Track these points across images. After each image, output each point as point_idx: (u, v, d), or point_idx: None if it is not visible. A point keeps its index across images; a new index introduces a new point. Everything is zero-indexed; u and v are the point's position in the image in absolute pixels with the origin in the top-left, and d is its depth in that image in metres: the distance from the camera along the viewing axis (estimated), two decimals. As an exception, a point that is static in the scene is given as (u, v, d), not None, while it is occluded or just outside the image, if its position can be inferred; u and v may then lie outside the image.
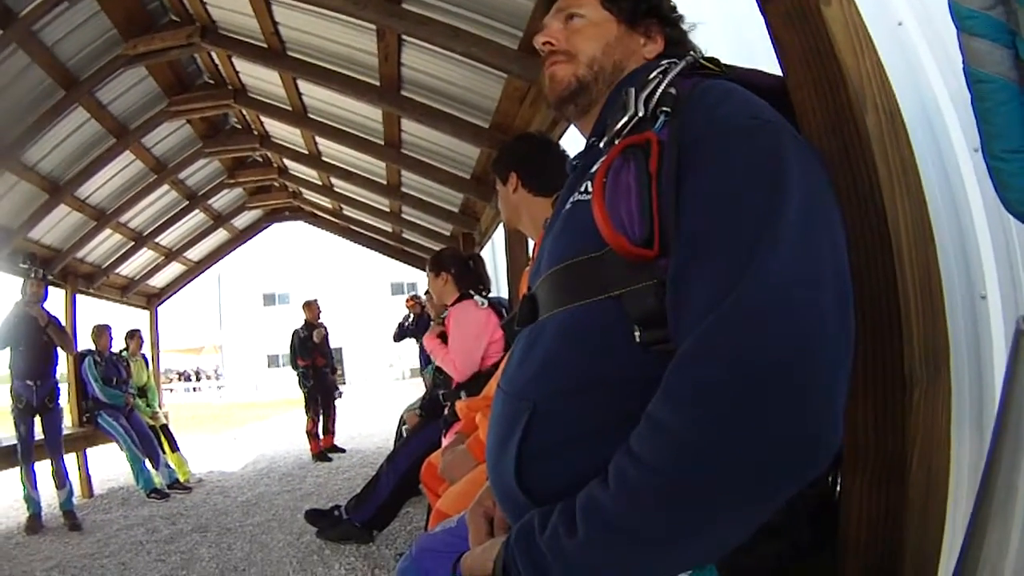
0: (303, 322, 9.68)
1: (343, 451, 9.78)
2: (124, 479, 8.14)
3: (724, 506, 0.82)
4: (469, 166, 6.15)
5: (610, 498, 0.87)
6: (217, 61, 6.32)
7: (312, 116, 6.59)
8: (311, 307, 9.76)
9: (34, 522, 6.09)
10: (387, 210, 8.75)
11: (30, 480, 6.08)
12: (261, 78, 6.32)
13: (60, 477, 6.23)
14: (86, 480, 7.79)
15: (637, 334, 0.97)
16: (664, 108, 1.04)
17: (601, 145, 1.18)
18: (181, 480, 7.77)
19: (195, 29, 5.46)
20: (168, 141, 7.38)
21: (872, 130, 1.09)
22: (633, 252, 0.96)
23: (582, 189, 1.13)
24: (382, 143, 6.34)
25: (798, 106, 1.16)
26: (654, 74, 1.11)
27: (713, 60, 1.20)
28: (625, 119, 1.09)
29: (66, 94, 5.59)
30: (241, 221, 10.69)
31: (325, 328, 9.60)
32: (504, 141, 4.05)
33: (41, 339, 6.30)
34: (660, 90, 1.07)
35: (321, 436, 9.59)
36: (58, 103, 5.61)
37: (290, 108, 6.53)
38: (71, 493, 6.37)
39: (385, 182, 7.51)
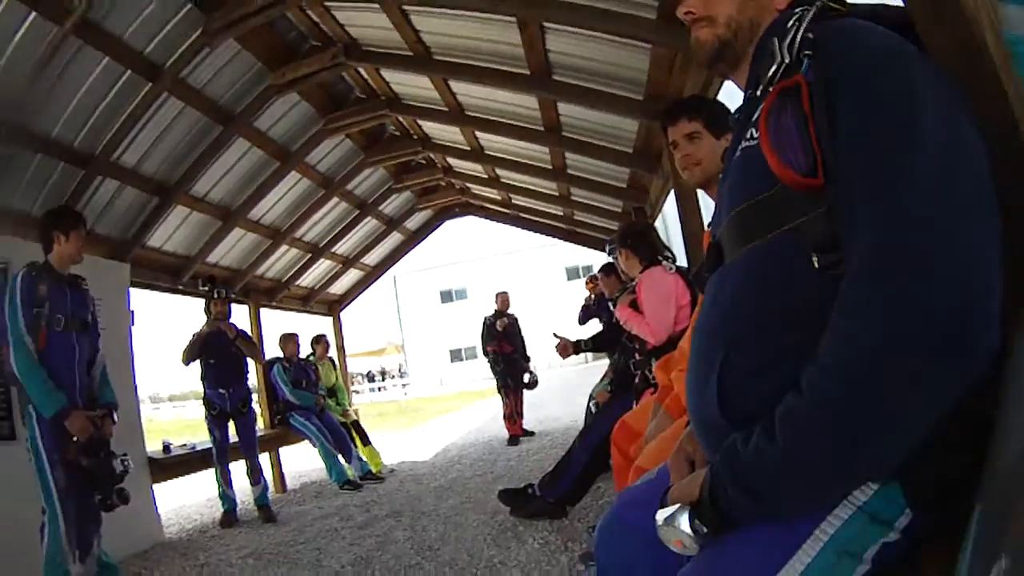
0: (493, 311, 10.04)
1: (532, 434, 10.06)
2: (317, 475, 8.78)
3: (899, 400, 0.95)
4: (630, 140, 6.18)
5: (803, 405, 1.02)
6: (366, 75, 6.73)
7: (469, 113, 6.85)
8: (500, 297, 10.12)
9: (228, 517, 6.59)
10: (556, 194, 8.89)
11: (225, 479, 6.66)
12: (412, 84, 6.65)
13: (255, 474, 6.73)
14: (280, 477, 8.45)
15: (815, 260, 1.08)
16: (806, 52, 1.15)
17: (758, 94, 1.30)
18: (374, 471, 8.27)
19: (338, 50, 5.85)
20: (331, 156, 7.91)
21: (994, 53, 1.15)
22: (802, 183, 1.08)
23: (748, 136, 1.28)
24: (542, 129, 6.50)
25: (923, 35, 1.23)
26: (791, 22, 1.22)
27: (839, 1, 1.28)
28: (774, 67, 1.21)
29: (224, 128, 6.21)
30: (413, 223, 11.16)
31: (510, 318, 9.92)
32: (659, 110, 4.07)
33: (230, 351, 6.81)
34: (799, 36, 1.18)
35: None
36: (218, 137, 6.24)
37: (446, 108, 6.82)
38: (266, 488, 6.81)
39: (550, 167, 7.66)
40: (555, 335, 5.93)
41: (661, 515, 1.20)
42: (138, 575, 4.95)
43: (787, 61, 1.17)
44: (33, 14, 4.28)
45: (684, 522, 1.16)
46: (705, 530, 1.14)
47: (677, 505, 1.19)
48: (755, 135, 1.20)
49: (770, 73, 1.21)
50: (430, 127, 7.90)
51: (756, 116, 1.22)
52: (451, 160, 8.94)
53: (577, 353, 5.85)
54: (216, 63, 5.59)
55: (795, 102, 1.09)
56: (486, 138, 7.58)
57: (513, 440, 9.64)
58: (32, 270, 3.95)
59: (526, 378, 9.84)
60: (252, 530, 6.21)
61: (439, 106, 6.82)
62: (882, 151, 1.00)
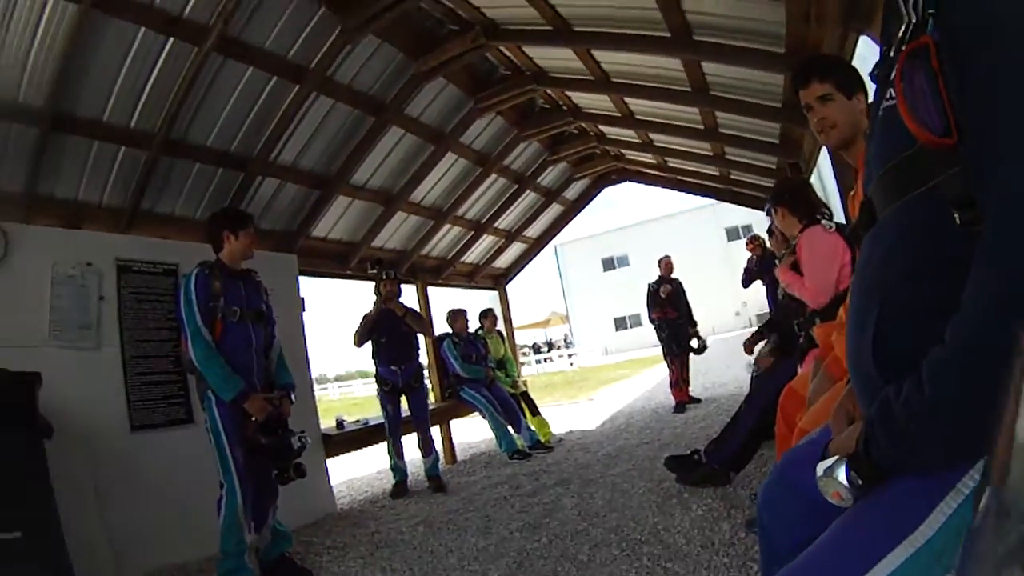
0: (657, 276, 9.92)
1: (698, 401, 9.91)
2: (486, 446, 9.05)
3: None
4: (777, 94, 6.01)
5: (946, 356, 1.04)
6: (508, 53, 6.84)
7: (615, 80, 6.81)
8: (663, 262, 9.95)
9: (400, 488, 6.88)
10: (710, 154, 8.67)
11: (397, 452, 6.98)
12: (556, 57, 6.71)
13: (427, 446, 6.99)
14: (450, 449, 8.75)
15: (956, 217, 1.09)
16: (930, 10, 1.16)
17: (891, 54, 1.32)
18: (543, 441, 8.39)
19: (477, 32, 6.01)
20: (485, 135, 8.11)
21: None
22: (937, 143, 1.12)
23: (887, 96, 1.32)
24: (689, 89, 6.39)
25: None
26: None
27: None
28: (902, 28, 1.23)
29: (376, 119, 6.53)
30: (571, 192, 11.18)
31: (674, 283, 9.76)
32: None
33: (400, 329, 7.07)
34: None
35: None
36: (371, 128, 6.58)
37: (592, 78, 6.82)
38: (437, 460, 7.05)
39: (702, 126, 7.50)
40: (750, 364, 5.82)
41: (821, 467, 1.24)
42: (309, 543, 5.23)
43: (914, 20, 1.17)
44: (171, 39, 4.73)
45: (841, 474, 1.20)
46: (860, 482, 1.18)
47: (835, 457, 1.23)
48: (892, 95, 1.22)
49: (900, 33, 1.20)
50: (579, 97, 7.92)
51: (892, 76, 1.22)
52: (603, 128, 8.92)
53: (763, 340, 5.75)
54: (359, 58, 5.89)
55: (925, 62, 1.09)
56: (635, 103, 7.49)
57: (679, 407, 9.54)
58: (205, 268, 4.27)
59: (694, 343, 9.68)
60: (422, 500, 6.44)
61: (585, 76, 6.82)
62: (1011, 109, 1.00)
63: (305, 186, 6.71)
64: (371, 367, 7.17)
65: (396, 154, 7.25)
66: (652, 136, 8.64)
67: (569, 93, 7.79)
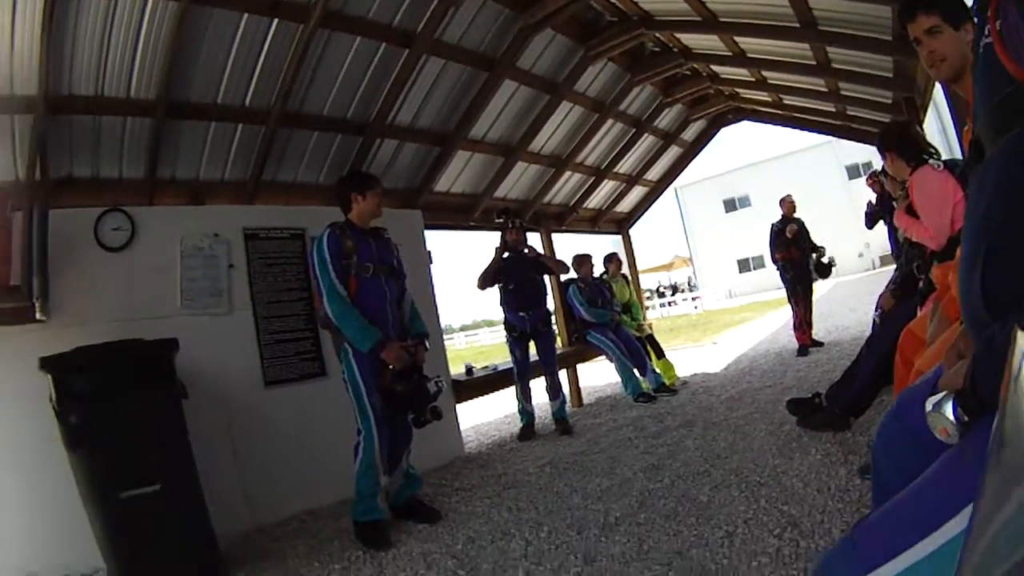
0: (780, 216, 9.63)
1: (821, 344, 9.60)
2: (612, 389, 9.06)
3: None
4: (887, 27, 5.70)
5: None
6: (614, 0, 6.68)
7: (723, 20, 6.60)
8: (786, 202, 9.66)
9: (527, 431, 7.00)
10: (825, 90, 8.26)
11: (525, 395, 7.07)
12: (660, 0, 6.52)
13: (554, 390, 7.05)
14: (576, 393, 8.82)
15: None
16: None
17: None
18: (667, 384, 8.33)
19: (579, -21, 5.92)
20: (598, 81, 7.94)
21: None
22: None
23: (986, 33, 1.29)
24: (797, 25, 6.14)
25: None
26: None
27: None
28: None
29: (489, 74, 6.53)
30: (689, 134, 10.87)
31: (797, 223, 9.42)
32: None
33: (528, 275, 7.09)
34: None
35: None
36: (485, 83, 6.59)
37: (699, 18, 6.63)
38: (564, 403, 7.11)
39: (814, 62, 7.17)
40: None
41: (930, 402, 1.24)
42: (439, 484, 5.39)
43: None
44: (276, 21, 4.91)
45: (949, 410, 1.19)
46: (966, 418, 1.17)
47: (944, 393, 1.23)
48: (989, 32, 1.18)
49: None
50: (688, 39, 7.66)
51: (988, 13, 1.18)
52: (715, 68, 8.63)
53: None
54: (465, 17, 5.90)
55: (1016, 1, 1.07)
56: (745, 41, 7.23)
57: (802, 350, 9.26)
58: (336, 228, 4.39)
59: (824, 260, 9.43)
60: (549, 442, 6.53)
61: (691, 16, 6.62)
62: None
63: (424, 143, 6.80)
64: (497, 315, 7.36)
65: (512, 106, 7.24)
66: (765, 74, 8.32)
67: (678, 35, 7.53)
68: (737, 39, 7.15)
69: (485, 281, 7.07)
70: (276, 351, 5.35)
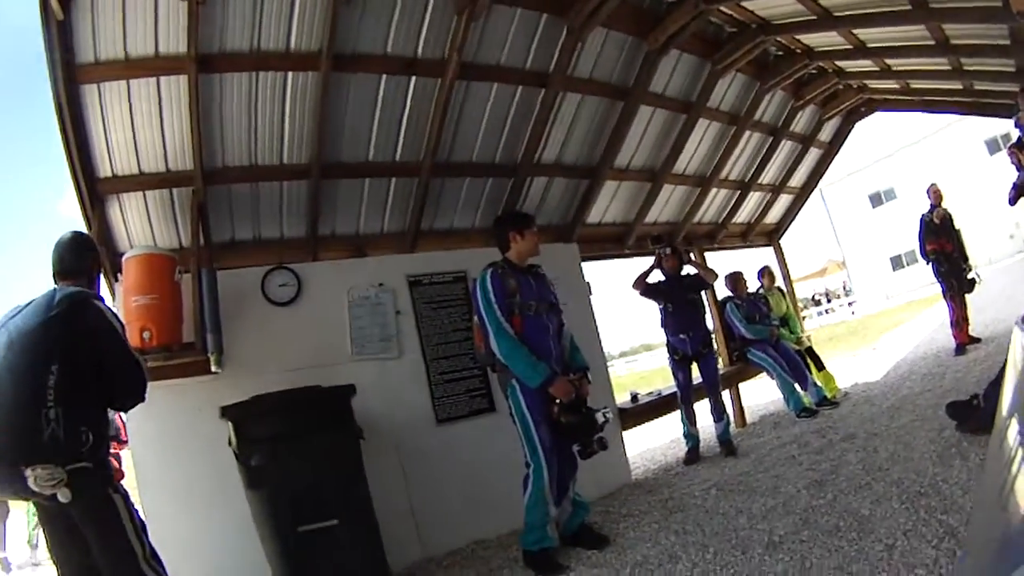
0: (929, 206, 9.17)
1: (978, 340, 8.95)
2: (775, 406, 8.82)
3: None
4: None
5: None
6: (729, 11, 6.61)
7: (837, 14, 6.44)
8: (932, 190, 9.22)
9: (692, 454, 6.88)
10: (949, 68, 7.83)
11: (690, 419, 6.96)
12: (775, 4, 6.42)
13: (718, 411, 6.94)
14: (740, 412, 8.62)
15: None
16: None
17: None
18: (829, 396, 8.07)
19: (694, -2, 5.89)
20: (730, 94, 7.84)
21: None
22: None
23: None
24: (909, 7, 5.92)
25: None
26: None
27: None
28: None
29: (625, 102, 6.58)
30: (825, 134, 10.48)
31: (946, 210, 8.99)
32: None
33: (685, 297, 7.06)
34: None
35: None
36: (622, 112, 6.64)
37: (814, 16, 6.50)
38: (728, 424, 7.00)
39: (933, 42, 6.87)
40: None
41: None
42: (607, 512, 5.38)
43: None
44: (414, 78, 5.25)
45: None
46: None
47: None
48: None
49: None
50: (808, 38, 7.48)
51: None
52: (840, 63, 8.38)
53: None
54: (593, 51, 6.03)
55: None
56: (863, 32, 6.98)
57: (960, 349, 8.73)
58: (497, 268, 4.46)
59: (969, 281, 8.89)
60: (714, 464, 6.45)
61: (806, 15, 6.50)
62: None
63: (573, 178, 6.91)
64: (655, 339, 7.36)
65: (651, 131, 7.24)
66: (888, 62, 8.00)
67: (798, 36, 7.38)
68: (855, 31, 6.92)
69: (637, 285, 7.13)
70: (447, 390, 5.55)
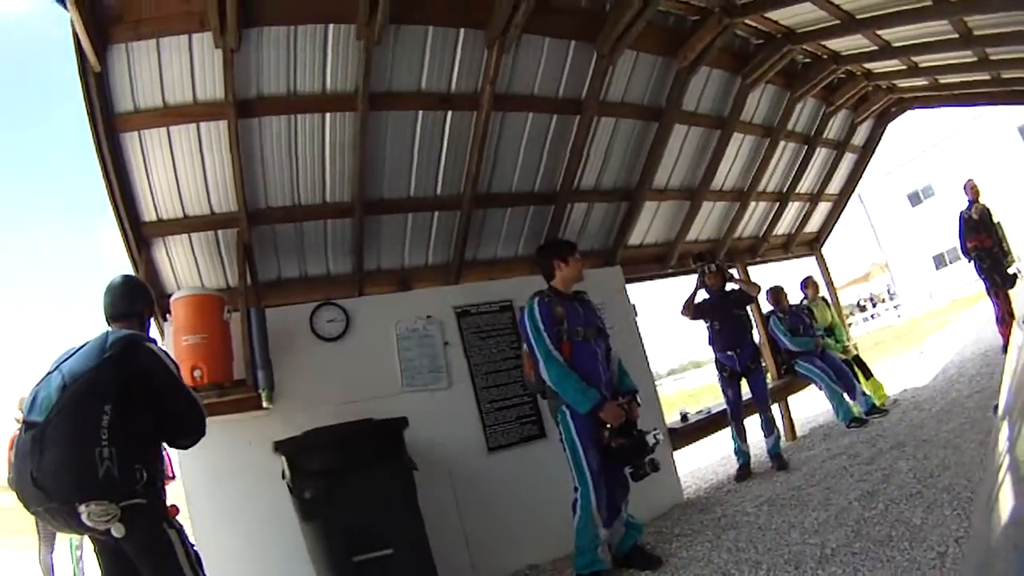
0: (967, 202, 9.09)
1: None
2: (824, 418, 8.71)
3: None
4: None
5: None
6: (754, 23, 6.64)
7: (860, 16, 6.44)
8: (969, 186, 9.15)
9: (744, 471, 6.84)
10: (975, 59, 7.82)
11: (740, 435, 6.95)
12: (798, 13, 6.43)
13: (768, 426, 6.89)
14: (790, 425, 8.52)
15: None
16: None
17: None
18: (878, 404, 8.02)
19: (718, 14, 5.97)
20: (762, 106, 7.83)
21: None
22: None
23: None
24: (930, 3, 5.98)
25: None
26: None
27: None
28: None
29: (659, 123, 6.62)
30: (859, 138, 10.36)
31: (984, 205, 8.89)
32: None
33: (731, 313, 7.07)
34: None
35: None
36: (657, 133, 6.68)
37: (837, 21, 6.51)
38: (778, 439, 6.93)
39: (957, 35, 6.86)
40: None
41: None
42: (659, 532, 5.37)
43: None
44: (449, 113, 5.37)
45: None
46: None
47: None
48: None
49: None
50: (834, 43, 7.46)
51: None
52: (868, 65, 8.34)
53: None
54: (623, 73, 6.11)
55: None
56: (887, 32, 6.97)
57: (1007, 348, 8.41)
58: (543, 296, 4.53)
59: (1013, 277, 8.73)
60: (766, 480, 6.41)
61: (830, 21, 6.50)
62: None
63: (612, 201, 6.96)
64: (702, 356, 7.28)
65: (687, 150, 7.27)
66: (915, 59, 7.97)
67: (823, 42, 7.35)
68: (879, 32, 6.90)
69: (686, 311, 7.13)
70: (497, 418, 5.60)
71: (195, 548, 3.23)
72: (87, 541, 7.72)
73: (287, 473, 4.18)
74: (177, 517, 3.22)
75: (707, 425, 7.37)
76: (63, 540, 7.33)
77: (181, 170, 4.98)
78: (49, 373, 3.11)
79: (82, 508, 2.77)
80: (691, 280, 7.29)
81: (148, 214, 5.10)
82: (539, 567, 5.29)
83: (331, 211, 5.45)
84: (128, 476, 2.92)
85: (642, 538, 4.81)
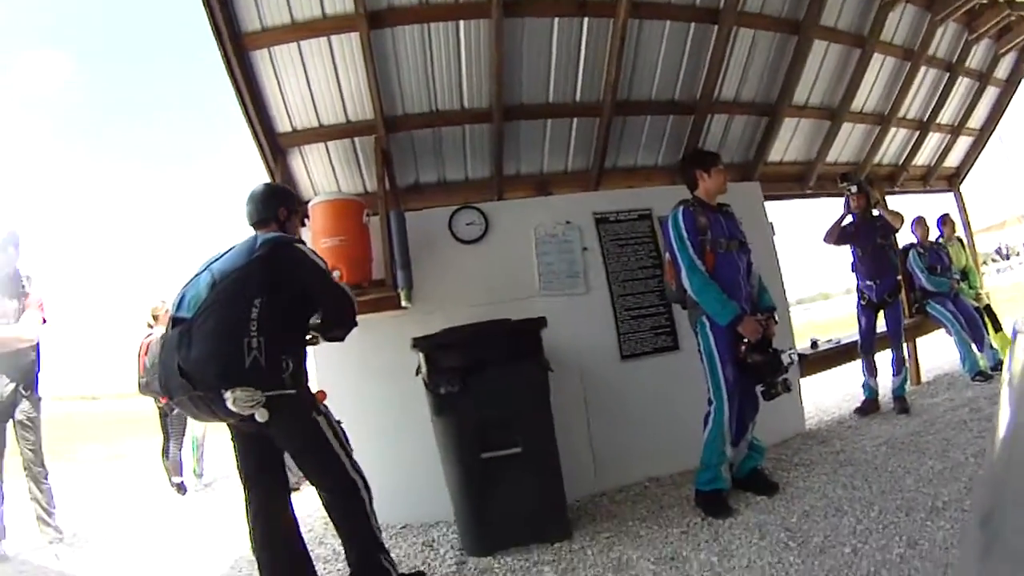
0: None
1: None
2: (949, 366, 8.36)
3: None
4: None
5: None
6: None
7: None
8: None
9: (869, 405, 6.74)
10: None
11: (870, 369, 6.78)
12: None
13: (898, 364, 6.70)
14: (915, 369, 8.22)
15: None
16: None
17: None
18: (1004, 361, 7.65)
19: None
20: (902, 27, 7.45)
21: None
22: None
23: None
24: None
25: None
26: None
27: None
28: None
29: (798, 37, 6.38)
30: (1002, 71, 9.79)
31: None
32: None
33: (875, 242, 6.85)
34: None
35: None
36: (797, 47, 6.44)
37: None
38: (904, 380, 6.73)
39: None
40: None
41: None
42: (779, 459, 5.32)
43: None
44: (586, 19, 5.33)
45: None
46: None
47: None
48: None
49: None
50: None
51: None
52: None
53: None
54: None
55: None
56: None
57: None
58: (688, 205, 4.46)
59: None
60: (886, 421, 6.31)
61: None
62: None
63: (752, 115, 6.78)
64: (833, 288, 7.05)
65: (827, 67, 7.00)
66: None
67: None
68: None
69: (830, 236, 6.94)
70: (632, 326, 5.58)
71: (342, 425, 3.45)
72: (207, 441, 8.11)
73: (423, 368, 4.28)
74: (324, 402, 3.41)
75: (836, 355, 7.18)
76: (188, 438, 7.76)
77: (314, 81, 5.13)
78: (198, 274, 3.29)
79: (228, 394, 2.92)
80: (827, 204, 7.14)
81: (282, 125, 5.29)
82: (659, 480, 5.32)
83: (469, 117, 5.51)
84: (274, 366, 3.07)
85: (763, 463, 4.77)
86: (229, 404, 2.92)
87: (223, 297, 3.09)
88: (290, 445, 3.32)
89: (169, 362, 3.02)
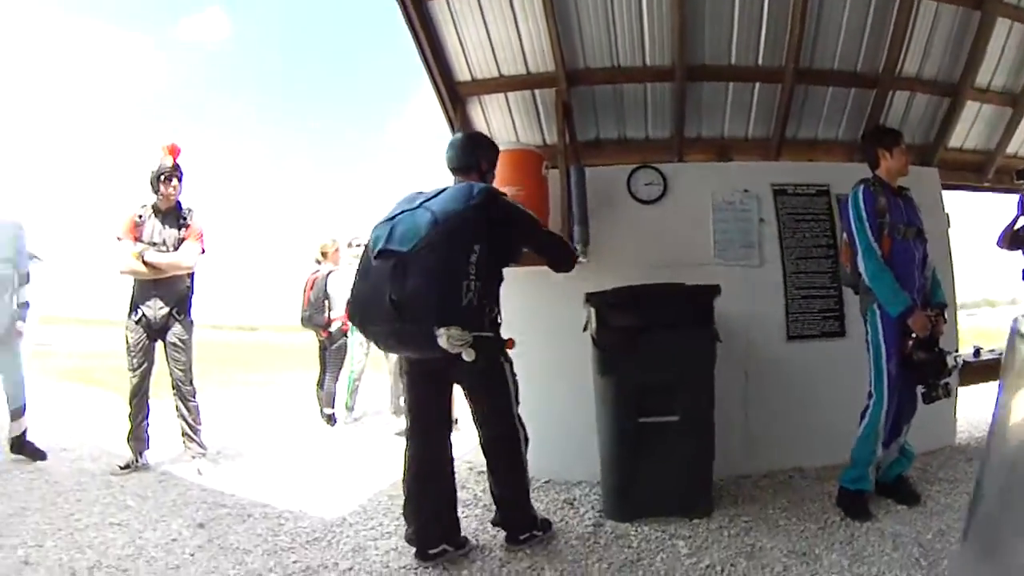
0: None
1: None
2: None
3: None
4: None
5: None
6: None
7: None
8: None
9: None
10: None
11: None
12: None
13: None
14: None
15: None
16: None
17: None
18: None
19: None
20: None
21: None
22: None
23: None
24: None
25: None
26: None
27: None
28: None
29: (981, 13, 6.00)
30: None
31: None
32: None
33: None
34: None
35: None
36: (981, 24, 6.06)
37: None
38: None
39: None
40: None
41: None
42: (924, 469, 5.06)
43: None
44: None
45: None
46: None
47: None
48: None
49: None
50: None
51: None
52: None
53: None
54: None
55: None
56: None
57: None
58: (869, 185, 4.28)
59: None
60: None
61: None
62: None
63: (934, 94, 6.44)
64: (998, 296, 6.70)
65: (1010, 49, 6.51)
66: None
67: None
68: None
69: (1003, 240, 6.28)
70: (801, 306, 5.41)
71: (517, 379, 3.67)
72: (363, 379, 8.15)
73: (593, 325, 4.25)
74: (511, 351, 3.61)
75: (995, 367, 6.66)
76: (344, 373, 8.01)
77: (494, 32, 5.17)
78: (410, 209, 3.40)
79: (441, 331, 3.03)
80: (1002, 201, 6.64)
81: (461, 74, 5.38)
82: (804, 471, 5.16)
83: (651, 75, 5.45)
84: (481, 310, 3.28)
85: (909, 471, 4.58)
86: (441, 341, 3.03)
87: (444, 237, 3.19)
88: (474, 383, 3.55)
89: (378, 293, 3.17)
